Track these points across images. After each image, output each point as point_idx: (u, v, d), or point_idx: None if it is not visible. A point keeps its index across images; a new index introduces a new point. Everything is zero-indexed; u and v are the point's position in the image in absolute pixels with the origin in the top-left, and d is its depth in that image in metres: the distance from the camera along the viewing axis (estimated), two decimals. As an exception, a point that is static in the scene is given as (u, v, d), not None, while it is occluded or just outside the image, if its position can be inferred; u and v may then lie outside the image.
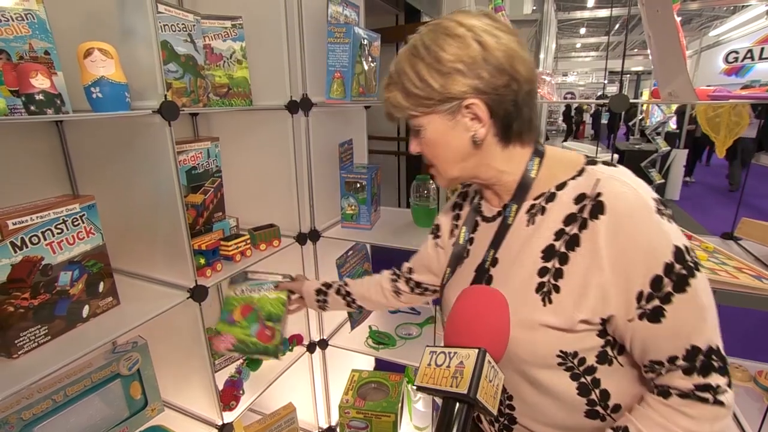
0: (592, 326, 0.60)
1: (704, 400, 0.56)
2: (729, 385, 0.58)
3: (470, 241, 0.77)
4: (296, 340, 1.59)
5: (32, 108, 0.77)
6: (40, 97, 0.78)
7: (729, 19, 8.52)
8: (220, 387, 1.29)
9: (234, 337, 1.13)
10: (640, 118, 6.80)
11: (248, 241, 1.31)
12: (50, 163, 1.11)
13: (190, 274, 1.07)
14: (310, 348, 1.62)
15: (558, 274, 0.60)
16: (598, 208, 0.58)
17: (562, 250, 0.60)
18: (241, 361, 1.49)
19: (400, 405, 1.53)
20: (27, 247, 0.81)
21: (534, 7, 6.30)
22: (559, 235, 0.61)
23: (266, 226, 1.40)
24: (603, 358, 0.62)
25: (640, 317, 0.57)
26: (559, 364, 0.63)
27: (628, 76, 17.91)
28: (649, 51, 1.16)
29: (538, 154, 0.68)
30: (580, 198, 0.60)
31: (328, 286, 1.12)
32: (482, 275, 0.71)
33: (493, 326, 0.58)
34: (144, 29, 0.91)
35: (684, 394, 0.57)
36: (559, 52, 14.35)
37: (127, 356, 1.13)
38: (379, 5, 3.71)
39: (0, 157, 1.02)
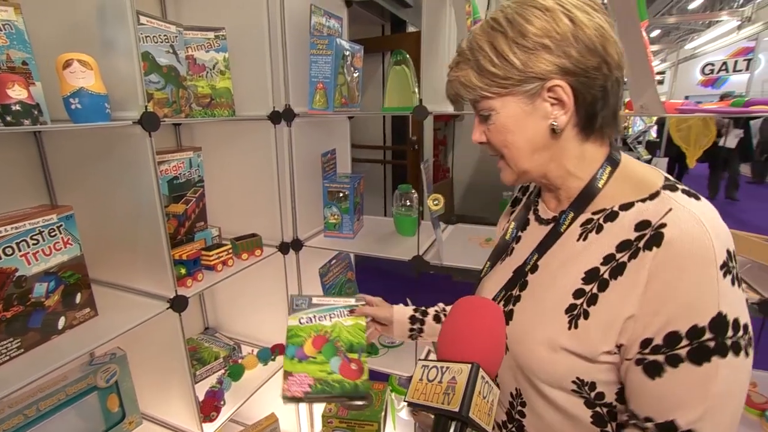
0: (615, 359, 0.55)
1: None
2: None
3: (517, 239, 0.73)
4: (278, 349, 1.59)
5: (8, 119, 0.77)
6: (17, 107, 0.77)
7: (704, 32, 8.81)
8: (201, 398, 1.28)
9: (310, 377, 0.88)
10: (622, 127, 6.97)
11: (230, 251, 1.31)
12: (28, 173, 1.10)
13: (170, 284, 1.06)
14: (293, 357, 1.62)
15: (592, 300, 0.56)
16: (655, 239, 0.51)
17: (605, 276, 0.55)
18: (222, 371, 1.48)
19: (383, 414, 1.53)
20: (0, 258, 0.80)
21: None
22: (607, 260, 0.55)
23: (248, 235, 1.40)
24: (623, 397, 0.57)
25: (637, 362, 0.52)
26: (574, 391, 0.59)
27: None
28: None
29: (612, 162, 0.61)
30: (642, 225, 0.53)
31: (424, 312, 0.96)
32: (518, 278, 0.67)
33: (487, 339, 0.56)
34: (125, 41, 0.91)
35: None
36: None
37: (105, 368, 1.11)
38: (366, 15, 3.76)
39: (-24, 167, 1.01)
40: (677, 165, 6.60)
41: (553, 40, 0.53)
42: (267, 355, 1.54)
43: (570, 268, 0.59)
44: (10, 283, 0.82)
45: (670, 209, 0.52)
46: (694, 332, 0.48)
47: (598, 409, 0.59)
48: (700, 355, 0.48)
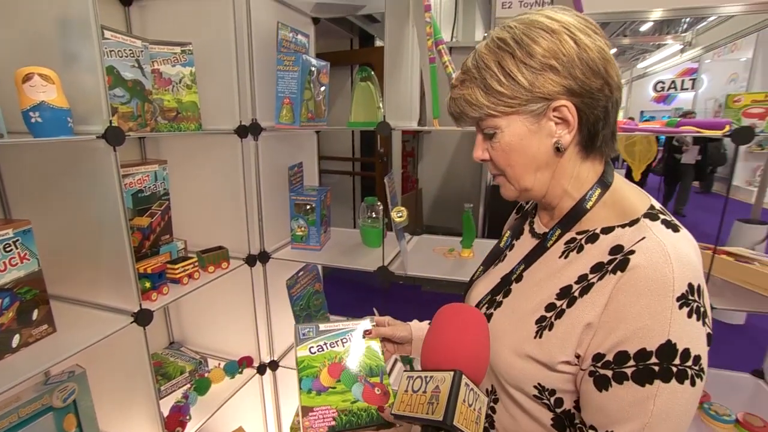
0: (573, 370, 0.58)
1: None
2: None
3: (511, 247, 0.76)
4: (246, 362, 1.58)
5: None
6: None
7: (655, 53, 9.45)
8: (166, 413, 1.26)
9: (333, 409, 0.81)
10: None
11: (196, 264, 1.31)
12: (-18, 186, 1.08)
13: (134, 298, 1.05)
14: (261, 370, 1.61)
15: (560, 314, 0.59)
16: (622, 264, 0.54)
17: (575, 294, 0.58)
18: (188, 385, 1.46)
19: None
20: (-47, 274, 0.78)
21: (485, 34, 6.70)
22: (581, 279, 0.58)
23: (215, 248, 1.40)
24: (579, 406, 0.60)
25: (590, 374, 0.55)
26: (536, 396, 0.62)
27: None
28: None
29: (603, 185, 0.63)
30: (615, 249, 0.56)
31: None
32: (504, 285, 0.70)
33: (470, 346, 0.56)
34: (89, 55, 0.91)
35: None
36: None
37: (62, 387, 1.08)
38: (335, 29, 3.82)
39: (-75, 181, 0.98)
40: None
41: (559, 62, 0.55)
42: (234, 368, 1.53)
43: (549, 282, 0.62)
44: (-37, 300, 0.80)
45: (643, 238, 0.54)
46: (641, 355, 0.51)
47: (558, 414, 0.62)
48: (643, 377, 0.51)
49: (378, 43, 3.97)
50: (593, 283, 0.56)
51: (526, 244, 0.73)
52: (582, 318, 0.56)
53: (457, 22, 4.18)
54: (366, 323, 0.92)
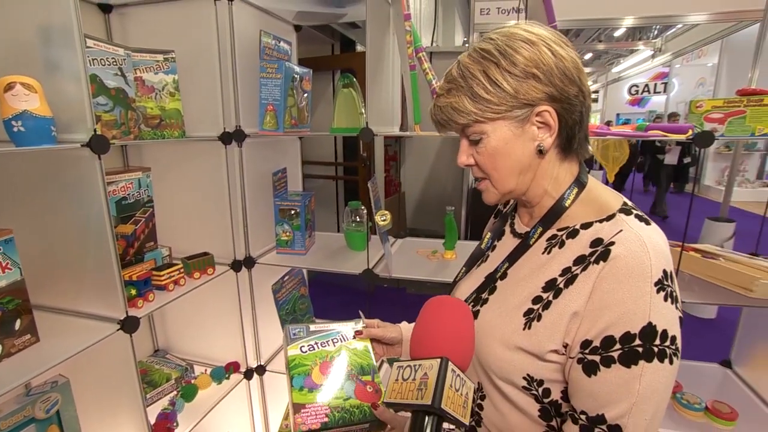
0: (561, 359, 0.61)
1: None
2: None
3: (492, 248, 0.80)
4: (233, 367, 1.58)
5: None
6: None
7: (628, 57, 9.76)
8: (153, 421, 1.26)
9: (325, 406, 0.82)
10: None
11: (181, 270, 1.31)
12: (-39, 196, 1.06)
13: (120, 306, 1.05)
14: (248, 375, 1.61)
15: (546, 305, 0.62)
16: (603, 255, 0.58)
17: (560, 286, 0.62)
18: (175, 392, 1.45)
19: None
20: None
21: (465, 39, 6.81)
22: (564, 272, 0.62)
23: (200, 254, 1.40)
24: (567, 395, 0.63)
25: (578, 361, 0.58)
26: (524, 387, 0.65)
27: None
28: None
29: (579, 185, 0.68)
30: (596, 242, 0.60)
31: None
32: (489, 284, 0.73)
33: (454, 334, 0.59)
34: (72, 64, 0.92)
35: None
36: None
37: (45, 398, 1.06)
38: (316, 35, 3.84)
39: None
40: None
41: (540, 70, 0.59)
42: (221, 373, 1.53)
43: (533, 277, 0.66)
44: (-55, 311, 0.80)
45: (621, 230, 0.59)
46: (626, 338, 0.55)
47: (545, 404, 0.65)
48: (629, 359, 0.54)
49: (359, 48, 4.00)
50: (577, 275, 0.60)
51: (507, 243, 0.76)
52: (568, 307, 0.60)
53: (437, 27, 4.25)
54: (356, 324, 0.93)
